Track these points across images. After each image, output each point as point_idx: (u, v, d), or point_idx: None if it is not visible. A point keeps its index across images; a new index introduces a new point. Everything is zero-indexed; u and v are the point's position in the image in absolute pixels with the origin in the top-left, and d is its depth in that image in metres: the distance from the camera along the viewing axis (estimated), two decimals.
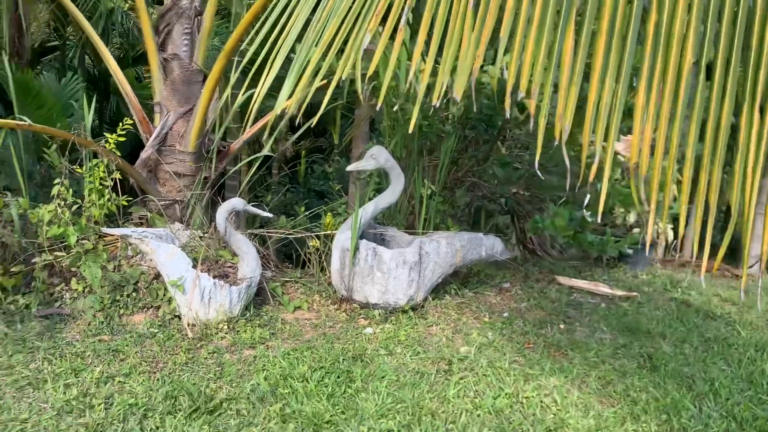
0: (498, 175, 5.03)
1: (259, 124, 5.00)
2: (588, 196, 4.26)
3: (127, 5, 9.52)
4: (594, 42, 1.87)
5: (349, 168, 4.41)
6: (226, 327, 3.89)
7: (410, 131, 2.25)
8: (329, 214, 5.12)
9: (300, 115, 2.67)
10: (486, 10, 2.06)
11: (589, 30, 1.87)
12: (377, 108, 2.97)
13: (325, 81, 2.65)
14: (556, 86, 1.88)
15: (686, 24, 1.82)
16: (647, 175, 1.76)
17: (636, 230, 6.43)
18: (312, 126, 7.21)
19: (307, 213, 5.28)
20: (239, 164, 5.26)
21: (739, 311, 5.08)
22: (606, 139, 1.80)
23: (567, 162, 1.74)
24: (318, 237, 4.88)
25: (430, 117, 4.69)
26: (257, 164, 5.17)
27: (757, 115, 1.75)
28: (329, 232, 4.92)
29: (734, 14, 1.82)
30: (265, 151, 5.08)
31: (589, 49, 1.89)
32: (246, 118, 4.79)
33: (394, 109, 2.66)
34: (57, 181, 4.22)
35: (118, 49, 9.26)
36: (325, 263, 4.88)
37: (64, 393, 2.99)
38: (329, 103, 2.56)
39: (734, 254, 7.15)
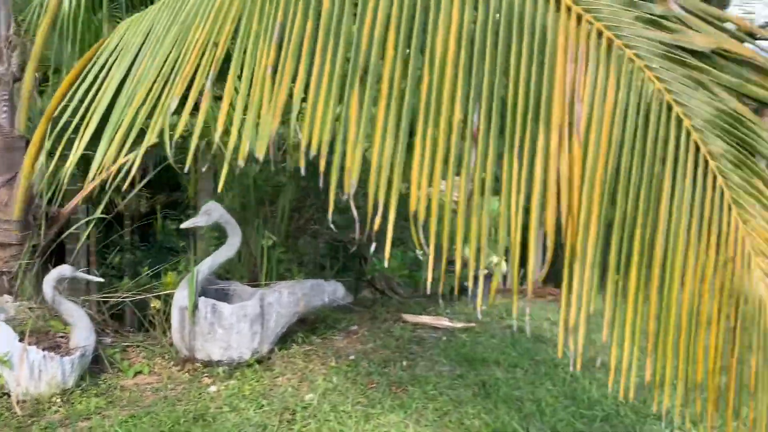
0: (337, 222, 5.19)
1: (90, 186, 4.86)
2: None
3: None
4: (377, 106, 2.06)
5: (183, 225, 4.40)
6: (59, 400, 3.71)
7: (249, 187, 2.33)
8: (170, 272, 5.02)
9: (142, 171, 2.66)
10: (281, 80, 2.22)
11: (371, 96, 2.07)
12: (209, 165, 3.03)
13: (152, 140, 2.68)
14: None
15: (454, 84, 2.06)
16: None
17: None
18: (167, 180, 7.01)
19: (150, 272, 5.14)
20: (72, 228, 5.05)
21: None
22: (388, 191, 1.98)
23: (355, 213, 1.90)
24: (159, 297, 4.77)
25: (266, 170, 4.79)
26: (101, 226, 5.00)
27: (516, 161, 2.00)
28: (171, 291, 4.82)
29: (492, 74, 2.07)
30: (98, 213, 4.94)
31: (373, 110, 2.08)
32: (61, 183, 4.62)
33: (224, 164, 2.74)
34: None
35: None
36: (166, 324, 4.77)
37: None
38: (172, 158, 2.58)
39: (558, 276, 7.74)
